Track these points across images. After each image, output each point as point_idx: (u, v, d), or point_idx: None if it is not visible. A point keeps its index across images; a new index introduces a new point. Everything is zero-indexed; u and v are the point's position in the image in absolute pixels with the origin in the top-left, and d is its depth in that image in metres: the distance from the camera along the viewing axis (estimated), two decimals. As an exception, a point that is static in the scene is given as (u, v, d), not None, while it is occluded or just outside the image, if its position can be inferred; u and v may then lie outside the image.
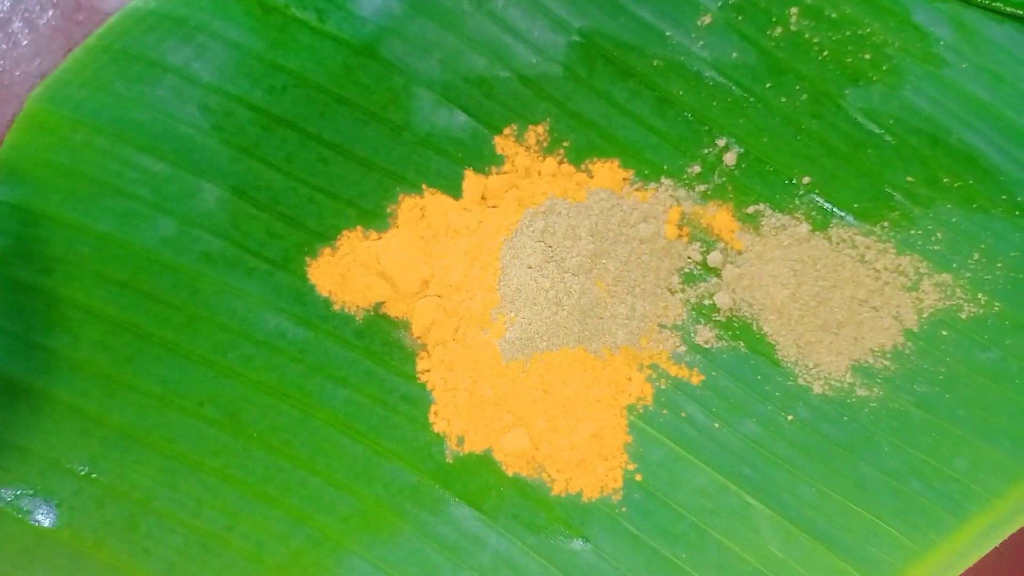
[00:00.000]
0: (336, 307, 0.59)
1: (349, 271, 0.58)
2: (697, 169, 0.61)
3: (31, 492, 0.56)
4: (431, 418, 0.58)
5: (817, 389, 0.58)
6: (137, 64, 0.59)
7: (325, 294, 0.59)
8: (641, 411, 0.58)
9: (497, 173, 0.60)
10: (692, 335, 0.59)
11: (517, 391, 0.57)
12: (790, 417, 0.58)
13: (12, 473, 0.56)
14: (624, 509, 0.57)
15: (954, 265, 0.60)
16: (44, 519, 0.56)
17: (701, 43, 0.62)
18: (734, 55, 0.62)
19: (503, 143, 0.61)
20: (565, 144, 0.61)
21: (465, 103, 0.61)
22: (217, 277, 0.58)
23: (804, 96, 0.61)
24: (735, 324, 0.59)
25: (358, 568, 0.57)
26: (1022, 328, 0.59)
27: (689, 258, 0.60)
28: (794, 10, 0.62)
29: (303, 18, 0.60)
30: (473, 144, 0.61)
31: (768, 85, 0.62)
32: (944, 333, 0.59)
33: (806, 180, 0.61)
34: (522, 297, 0.57)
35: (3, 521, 0.56)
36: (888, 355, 0.59)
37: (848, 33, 0.62)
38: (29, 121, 0.58)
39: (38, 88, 0.59)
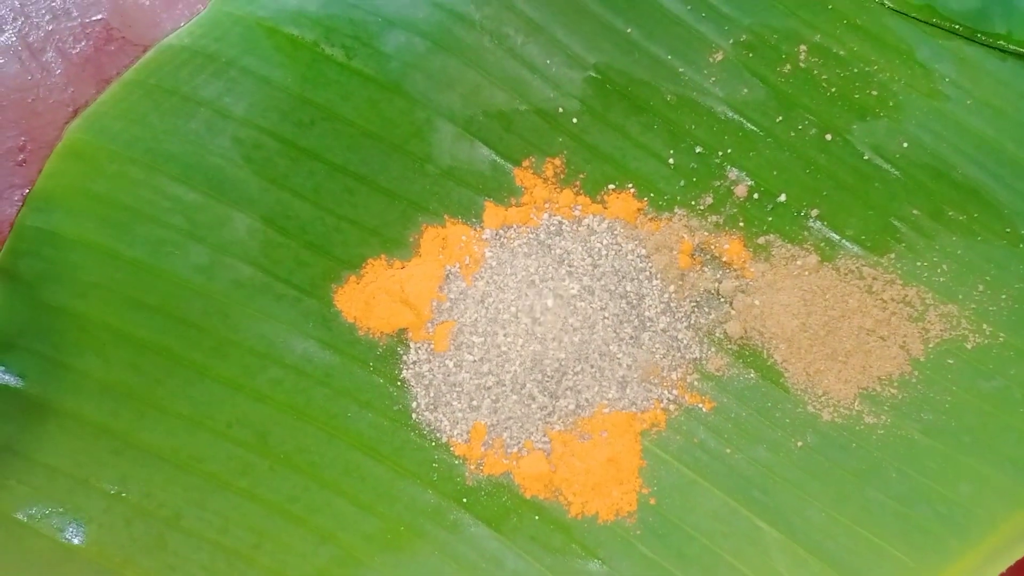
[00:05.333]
0: (361, 332, 0.60)
1: (373, 298, 0.60)
2: (709, 200, 0.63)
3: (60, 510, 0.57)
4: (452, 441, 0.59)
5: (826, 416, 0.60)
6: (171, 98, 0.61)
7: (350, 320, 0.60)
8: (655, 436, 0.59)
9: (516, 204, 0.62)
10: (704, 363, 0.61)
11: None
12: (799, 443, 0.59)
13: (42, 491, 0.57)
14: (639, 532, 0.58)
15: (959, 296, 0.61)
16: (73, 537, 0.57)
17: (713, 79, 0.64)
18: (745, 91, 0.64)
19: (522, 175, 0.62)
20: (581, 176, 0.63)
21: (486, 136, 0.63)
22: (247, 303, 0.60)
23: (813, 131, 0.63)
24: (746, 352, 0.61)
25: (380, 586, 0.58)
26: (1026, 357, 0.60)
27: (701, 287, 0.61)
28: (803, 47, 0.64)
29: (331, 55, 0.62)
30: (493, 176, 0.62)
31: (778, 120, 0.63)
32: (950, 362, 0.60)
33: (815, 212, 0.62)
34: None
35: (32, 538, 0.57)
36: (895, 383, 0.60)
37: (855, 70, 0.64)
38: (66, 151, 0.60)
39: (76, 120, 0.61)
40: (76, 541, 0.57)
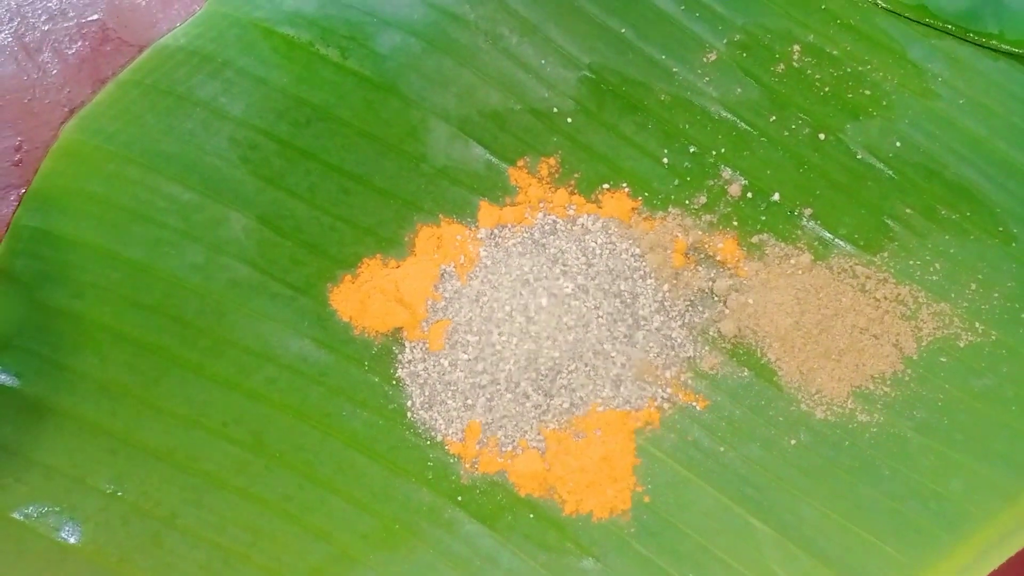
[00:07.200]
0: (356, 332, 0.60)
1: (369, 297, 0.60)
2: (703, 200, 0.63)
3: (57, 509, 0.57)
4: (447, 440, 0.59)
5: (819, 414, 0.60)
6: (167, 98, 0.61)
7: (346, 319, 0.60)
8: (649, 435, 0.59)
9: (511, 204, 0.62)
10: (698, 361, 0.61)
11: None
12: (793, 441, 0.59)
13: (38, 491, 0.57)
14: (633, 529, 0.58)
15: (952, 295, 0.61)
16: (69, 536, 0.57)
17: (707, 79, 0.64)
18: (738, 91, 0.64)
19: (517, 174, 0.63)
20: (576, 175, 0.63)
21: (480, 136, 0.63)
22: (243, 302, 0.60)
23: (806, 130, 0.64)
24: (740, 351, 0.61)
25: (375, 584, 0.58)
26: (1018, 355, 0.60)
27: (695, 286, 0.62)
28: (796, 47, 0.65)
29: (326, 55, 0.62)
30: (488, 175, 0.63)
31: (772, 119, 0.64)
32: (942, 360, 0.60)
33: (808, 211, 0.63)
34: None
35: (29, 538, 0.57)
36: (888, 381, 0.60)
37: (848, 70, 0.64)
38: (63, 151, 0.61)
39: (72, 120, 0.61)
40: (72, 540, 0.57)
